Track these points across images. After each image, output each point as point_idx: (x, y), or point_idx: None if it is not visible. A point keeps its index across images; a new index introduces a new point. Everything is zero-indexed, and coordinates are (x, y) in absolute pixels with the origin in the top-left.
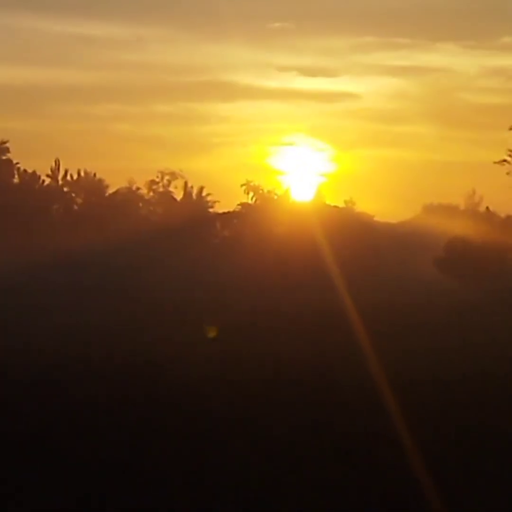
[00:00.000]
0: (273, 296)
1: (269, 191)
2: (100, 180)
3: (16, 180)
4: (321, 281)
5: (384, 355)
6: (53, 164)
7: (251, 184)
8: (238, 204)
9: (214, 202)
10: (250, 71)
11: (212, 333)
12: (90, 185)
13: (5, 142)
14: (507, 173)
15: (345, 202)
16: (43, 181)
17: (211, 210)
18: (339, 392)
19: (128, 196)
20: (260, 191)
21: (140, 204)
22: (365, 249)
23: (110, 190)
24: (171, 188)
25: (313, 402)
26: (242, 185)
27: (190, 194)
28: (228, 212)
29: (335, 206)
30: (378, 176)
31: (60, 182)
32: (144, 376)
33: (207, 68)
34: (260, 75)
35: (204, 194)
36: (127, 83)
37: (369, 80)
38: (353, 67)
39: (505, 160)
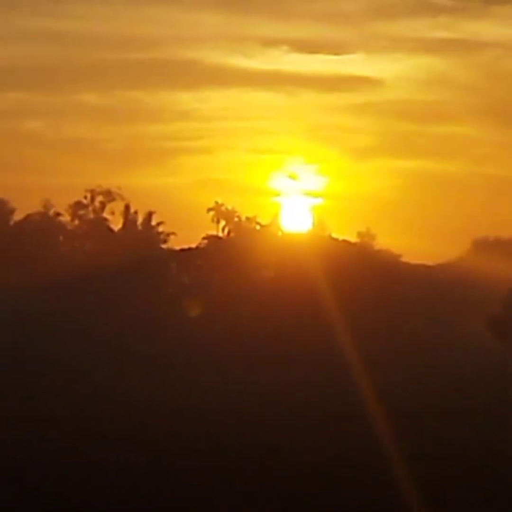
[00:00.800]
0: (251, 379)
1: (248, 219)
2: (3, 202)
3: None
4: (326, 355)
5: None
6: None
7: (223, 208)
8: (204, 238)
9: (169, 234)
10: (221, 45)
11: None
12: None
13: None
14: None
15: (360, 235)
16: None
17: (164, 246)
18: None
19: (43, 224)
20: (236, 219)
21: (61, 238)
22: (389, 304)
23: (17, 217)
24: (105, 214)
25: None
26: (209, 210)
27: (134, 222)
28: (189, 249)
29: (345, 241)
30: (407, 198)
31: None
32: None
33: (159, 40)
34: (236, 52)
35: (154, 222)
36: (41, 62)
37: (394, 59)
38: (371, 40)
39: None
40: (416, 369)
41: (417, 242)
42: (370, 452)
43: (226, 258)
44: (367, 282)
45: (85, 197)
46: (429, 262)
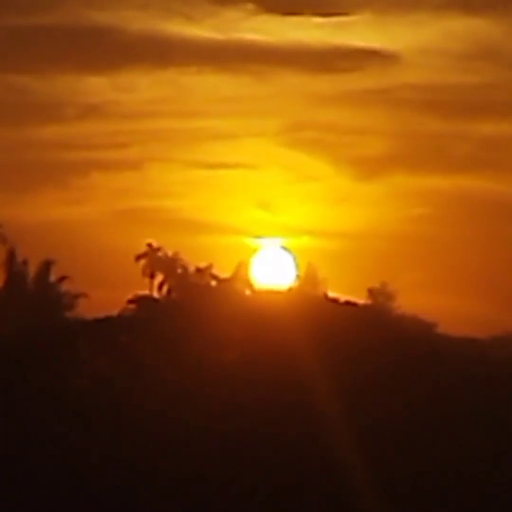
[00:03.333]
0: None
1: (200, 270)
2: None
3: None
4: (323, 484)
5: None
6: None
7: (159, 254)
8: (130, 301)
9: (77, 296)
10: (151, 3)
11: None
12: None
13: None
14: None
15: (371, 293)
16: None
17: (69, 313)
18: None
19: None
20: (180, 270)
21: None
22: (420, 397)
23: None
24: None
25: None
26: (138, 257)
27: (22, 277)
28: (108, 319)
29: (349, 303)
30: (441, 236)
31: None
32: None
33: None
34: (175, 13)
35: (53, 277)
36: None
37: (415, 22)
38: None
39: None
40: (468, 492)
41: (459, 304)
42: None
43: (165, 331)
44: (385, 364)
45: None
46: (479, 334)
